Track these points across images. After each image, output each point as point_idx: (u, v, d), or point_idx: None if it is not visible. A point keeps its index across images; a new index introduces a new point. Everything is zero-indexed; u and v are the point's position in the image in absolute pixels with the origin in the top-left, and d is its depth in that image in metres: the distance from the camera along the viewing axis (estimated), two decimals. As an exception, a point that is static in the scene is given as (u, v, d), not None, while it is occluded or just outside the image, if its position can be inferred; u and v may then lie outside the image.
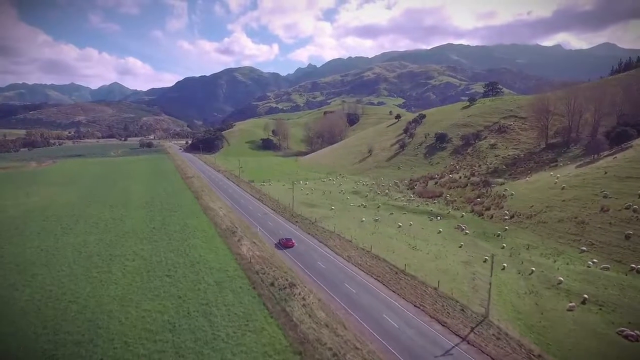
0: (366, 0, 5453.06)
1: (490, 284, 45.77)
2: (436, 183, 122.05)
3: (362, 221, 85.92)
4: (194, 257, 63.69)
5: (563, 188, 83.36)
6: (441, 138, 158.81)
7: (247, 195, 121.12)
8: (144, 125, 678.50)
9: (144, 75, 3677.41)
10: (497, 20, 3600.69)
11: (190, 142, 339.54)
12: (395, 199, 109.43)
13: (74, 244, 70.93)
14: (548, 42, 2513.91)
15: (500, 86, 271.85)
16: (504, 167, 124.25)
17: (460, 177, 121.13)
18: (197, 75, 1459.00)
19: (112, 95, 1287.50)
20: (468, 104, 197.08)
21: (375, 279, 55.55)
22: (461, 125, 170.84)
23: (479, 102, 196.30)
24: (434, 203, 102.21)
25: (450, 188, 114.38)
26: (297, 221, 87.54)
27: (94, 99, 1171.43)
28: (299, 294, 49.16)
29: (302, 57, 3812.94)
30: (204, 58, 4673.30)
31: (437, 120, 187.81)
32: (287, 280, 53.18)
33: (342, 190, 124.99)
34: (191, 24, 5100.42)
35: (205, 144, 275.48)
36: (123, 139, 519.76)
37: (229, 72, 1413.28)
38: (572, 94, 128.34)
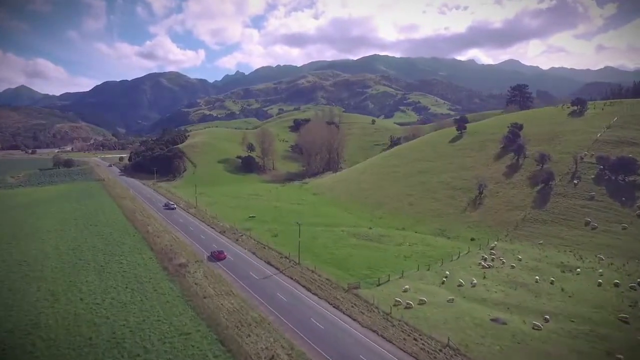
0: (294, 8, 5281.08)
1: None
2: None
3: None
4: None
5: None
6: (624, 166, 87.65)
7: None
8: (58, 133, 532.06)
9: (57, 79, 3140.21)
10: (418, 34, 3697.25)
11: (128, 158, 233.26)
12: None
13: None
14: (462, 56, 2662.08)
15: (529, 90, 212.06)
16: None
17: None
18: (118, 79, 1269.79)
19: (19, 100, 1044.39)
20: (574, 108, 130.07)
21: None
22: (613, 142, 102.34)
23: (592, 106, 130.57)
24: None
25: None
26: None
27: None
28: None
29: (230, 64, 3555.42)
30: (125, 62, 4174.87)
31: (544, 134, 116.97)
32: None
33: None
34: (110, 25, 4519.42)
35: (158, 165, 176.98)
36: (30, 151, 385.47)
37: (153, 77, 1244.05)
38: None
